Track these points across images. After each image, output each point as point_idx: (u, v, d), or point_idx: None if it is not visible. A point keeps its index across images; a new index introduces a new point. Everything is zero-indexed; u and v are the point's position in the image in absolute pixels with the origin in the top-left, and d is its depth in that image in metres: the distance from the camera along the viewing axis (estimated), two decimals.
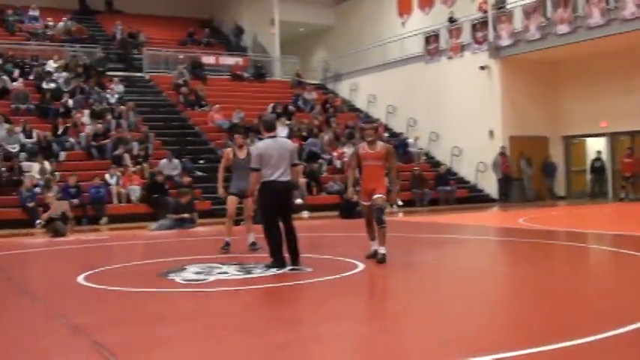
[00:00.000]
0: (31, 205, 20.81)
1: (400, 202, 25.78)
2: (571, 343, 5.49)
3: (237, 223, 13.53)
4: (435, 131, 30.76)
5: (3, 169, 22.12)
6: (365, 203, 10.56)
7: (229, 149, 13.03)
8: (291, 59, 38.01)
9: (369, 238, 10.69)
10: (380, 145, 10.49)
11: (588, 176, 29.24)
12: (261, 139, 10.69)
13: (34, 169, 22.34)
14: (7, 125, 23.93)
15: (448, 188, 27.76)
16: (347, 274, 9.43)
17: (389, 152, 10.50)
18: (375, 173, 10.44)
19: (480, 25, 29.02)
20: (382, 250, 10.29)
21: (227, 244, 12.46)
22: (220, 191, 13.15)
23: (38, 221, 19.80)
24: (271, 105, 30.54)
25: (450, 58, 30.36)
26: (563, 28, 25.56)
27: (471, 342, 5.80)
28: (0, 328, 7.08)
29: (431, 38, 31.49)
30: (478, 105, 28.71)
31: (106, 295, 8.71)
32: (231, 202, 12.51)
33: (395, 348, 5.74)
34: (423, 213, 24.21)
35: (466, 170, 29.73)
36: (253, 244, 12.49)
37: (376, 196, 10.28)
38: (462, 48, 29.76)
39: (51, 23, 34.06)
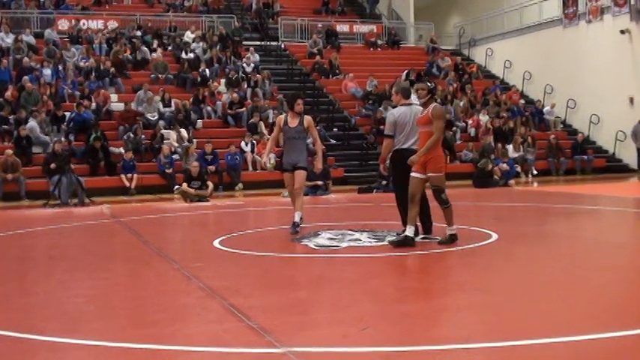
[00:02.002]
0: (169, 171, 21.51)
1: (535, 172, 25.37)
2: None
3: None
4: (573, 98, 29.86)
5: (143, 136, 22.89)
6: (415, 175, 9.15)
7: (282, 116, 11.76)
8: (425, 25, 37.61)
9: (402, 220, 9.46)
10: (430, 107, 9.09)
11: None
12: (394, 106, 10.57)
13: (171, 137, 23.02)
14: (148, 94, 24.67)
15: (585, 157, 27.02)
16: (480, 244, 9.33)
17: (433, 114, 8.98)
18: (424, 141, 9.08)
19: None
20: (451, 230, 9.24)
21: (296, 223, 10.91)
22: (264, 159, 12.47)
23: (176, 187, 20.40)
24: (405, 72, 30.27)
25: (589, 22, 29.32)
26: None
27: (611, 315, 5.66)
28: (138, 289, 7.39)
29: (569, 1, 30.40)
30: (618, 71, 27.63)
31: (240, 259, 8.93)
32: (286, 179, 11.22)
33: (527, 320, 5.65)
34: (559, 182, 23.70)
35: (605, 139, 28.76)
36: (294, 225, 10.84)
37: (429, 174, 9.11)
38: (602, 11, 28.64)
39: None
